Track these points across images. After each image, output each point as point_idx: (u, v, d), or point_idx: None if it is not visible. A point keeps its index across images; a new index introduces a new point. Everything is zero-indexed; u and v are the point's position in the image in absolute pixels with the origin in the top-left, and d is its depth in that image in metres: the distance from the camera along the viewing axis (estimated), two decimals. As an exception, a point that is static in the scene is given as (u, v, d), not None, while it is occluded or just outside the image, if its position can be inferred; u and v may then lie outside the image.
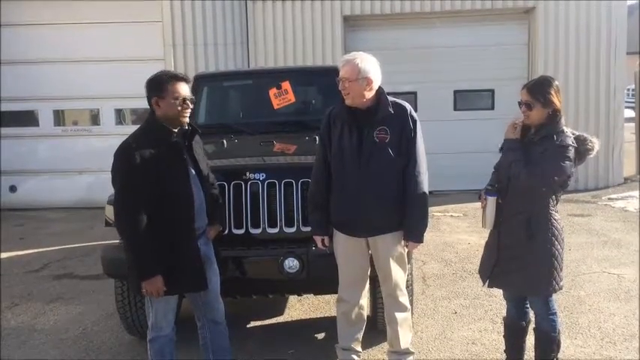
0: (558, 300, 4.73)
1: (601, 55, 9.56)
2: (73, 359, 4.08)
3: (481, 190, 3.26)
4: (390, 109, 3.19)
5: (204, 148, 3.35)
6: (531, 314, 3.33)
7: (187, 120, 3.06)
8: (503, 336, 3.47)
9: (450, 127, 9.81)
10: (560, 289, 3.14)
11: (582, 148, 3.05)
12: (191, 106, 3.02)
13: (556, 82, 3.07)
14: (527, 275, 3.08)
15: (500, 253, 3.16)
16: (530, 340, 3.35)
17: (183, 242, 3.00)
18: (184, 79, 3.03)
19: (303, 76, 5.81)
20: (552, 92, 3.01)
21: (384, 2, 9.50)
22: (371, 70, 3.15)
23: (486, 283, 3.29)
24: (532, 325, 3.33)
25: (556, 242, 3.07)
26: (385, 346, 3.69)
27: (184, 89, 3.00)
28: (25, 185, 10.09)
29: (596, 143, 3.10)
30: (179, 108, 2.96)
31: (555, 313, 3.19)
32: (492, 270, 3.21)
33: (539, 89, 3.03)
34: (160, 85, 2.99)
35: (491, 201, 3.13)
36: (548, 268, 3.06)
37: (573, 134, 3.06)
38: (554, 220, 3.08)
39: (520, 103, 3.08)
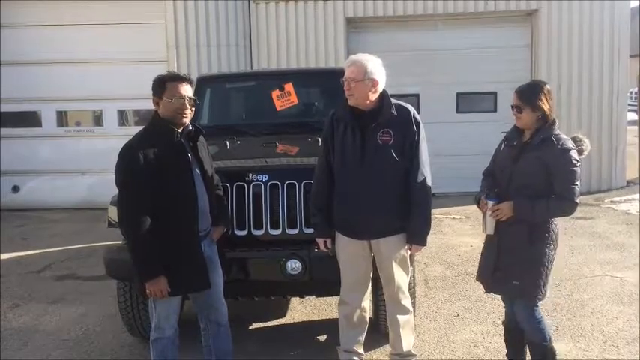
0: (560, 303, 4.74)
1: (604, 57, 9.52)
2: (75, 360, 4.09)
3: (477, 194, 3.26)
4: (394, 112, 3.19)
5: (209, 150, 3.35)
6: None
7: (187, 120, 3.03)
8: (504, 339, 3.46)
9: (453, 130, 9.79)
10: (544, 296, 3.11)
11: (578, 149, 3.07)
12: (189, 105, 3.00)
13: (547, 86, 3.08)
14: (524, 279, 3.07)
15: (501, 257, 3.15)
16: (532, 343, 3.35)
17: (186, 242, 3.00)
18: (185, 80, 3.02)
19: (306, 78, 5.81)
20: (541, 96, 3.01)
21: (387, 4, 9.49)
22: (377, 71, 3.15)
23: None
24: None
25: (551, 246, 3.08)
26: (387, 348, 3.69)
27: (184, 89, 2.99)
28: (27, 186, 10.08)
29: (588, 143, 3.13)
30: (177, 107, 2.96)
31: (541, 320, 3.16)
32: (493, 275, 3.20)
33: (528, 93, 3.05)
34: (160, 84, 3.00)
35: (492, 206, 3.12)
36: (538, 270, 3.05)
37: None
38: (554, 224, 3.10)
39: (512, 107, 3.10)
